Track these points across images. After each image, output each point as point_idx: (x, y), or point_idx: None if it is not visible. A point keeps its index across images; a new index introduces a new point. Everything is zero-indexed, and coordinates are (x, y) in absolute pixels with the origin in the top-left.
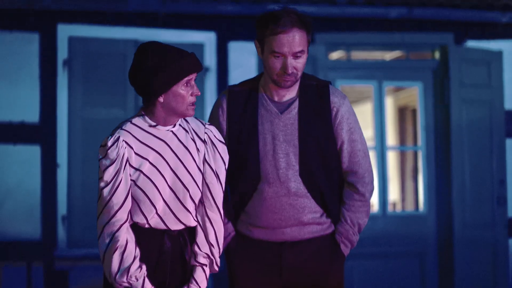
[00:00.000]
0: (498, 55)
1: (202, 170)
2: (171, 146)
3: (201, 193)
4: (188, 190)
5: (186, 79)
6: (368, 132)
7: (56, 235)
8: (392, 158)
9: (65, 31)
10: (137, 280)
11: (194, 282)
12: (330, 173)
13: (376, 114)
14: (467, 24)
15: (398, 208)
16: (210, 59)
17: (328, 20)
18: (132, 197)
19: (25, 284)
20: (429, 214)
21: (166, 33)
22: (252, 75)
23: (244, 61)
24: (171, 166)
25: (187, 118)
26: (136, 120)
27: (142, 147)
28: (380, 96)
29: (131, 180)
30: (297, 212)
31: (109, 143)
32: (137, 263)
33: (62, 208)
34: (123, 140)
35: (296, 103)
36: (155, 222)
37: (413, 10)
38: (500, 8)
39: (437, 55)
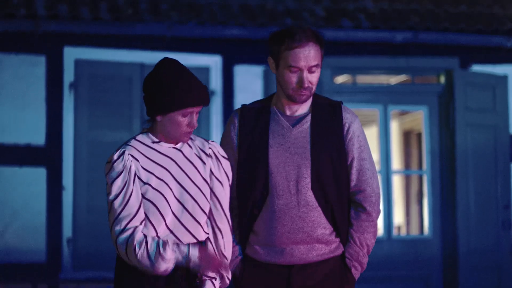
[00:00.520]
0: (503, 79)
1: (209, 183)
2: (176, 161)
3: (209, 205)
4: (196, 201)
5: (189, 110)
6: (373, 156)
7: (61, 257)
8: (397, 182)
9: (71, 54)
10: (174, 251)
11: None
12: (340, 188)
13: (381, 138)
14: (472, 49)
15: (403, 232)
16: (216, 82)
17: (334, 44)
18: None
19: None
20: (434, 238)
21: (172, 57)
22: (258, 98)
23: (249, 85)
24: (177, 179)
25: (192, 136)
26: (140, 137)
27: (147, 162)
28: (385, 120)
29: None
30: (306, 225)
31: (115, 157)
32: (161, 243)
33: (67, 230)
34: (128, 153)
35: (308, 118)
36: (164, 235)
37: (419, 35)
38: (505, 32)
39: (442, 79)
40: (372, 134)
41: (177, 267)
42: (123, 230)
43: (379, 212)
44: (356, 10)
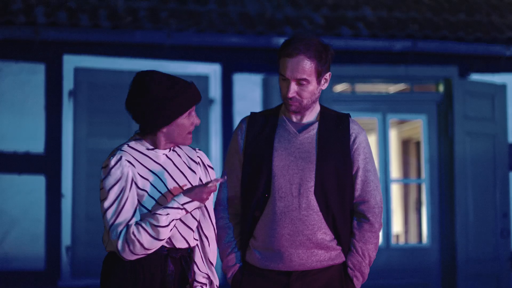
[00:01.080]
0: (502, 88)
1: None
2: (167, 169)
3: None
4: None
5: (189, 110)
6: None
7: (60, 265)
8: (395, 191)
9: (71, 62)
10: (166, 216)
11: None
12: (344, 197)
13: (380, 146)
14: (471, 57)
15: (402, 241)
16: (215, 90)
17: None
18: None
19: None
20: (433, 247)
21: (171, 65)
22: (257, 107)
23: (248, 93)
24: (169, 187)
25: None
26: (133, 144)
27: (143, 169)
28: (384, 128)
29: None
30: (306, 228)
31: (112, 162)
32: (150, 217)
33: (66, 238)
34: (125, 159)
35: (316, 125)
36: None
37: (417, 43)
38: (504, 41)
39: (441, 88)
40: (370, 143)
41: (168, 274)
42: (119, 234)
43: (381, 224)
44: (355, 19)
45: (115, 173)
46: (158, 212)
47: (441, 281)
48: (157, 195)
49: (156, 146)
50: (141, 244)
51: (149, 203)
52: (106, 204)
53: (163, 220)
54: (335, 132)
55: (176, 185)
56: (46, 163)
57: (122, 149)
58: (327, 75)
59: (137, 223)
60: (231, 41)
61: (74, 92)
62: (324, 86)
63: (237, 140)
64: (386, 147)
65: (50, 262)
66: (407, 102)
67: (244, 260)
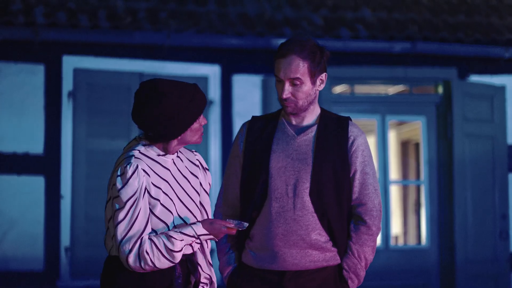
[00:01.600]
0: (501, 90)
1: (200, 194)
2: (174, 175)
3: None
4: (195, 216)
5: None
6: None
7: (59, 265)
8: (394, 192)
9: (70, 63)
10: (181, 241)
11: None
12: (341, 199)
13: (379, 148)
14: (470, 59)
15: (401, 242)
16: (214, 92)
17: (332, 54)
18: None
19: None
20: (432, 248)
21: (171, 66)
22: (256, 108)
23: (248, 94)
24: (177, 194)
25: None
26: (144, 150)
27: (155, 177)
28: (383, 130)
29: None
30: (300, 228)
31: (130, 172)
32: (166, 238)
33: (65, 239)
34: (142, 169)
35: (314, 128)
36: None
37: (417, 45)
38: (503, 43)
39: (440, 89)
40: (369, 144)
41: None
42: (132, 248)
43: (379, 228)
44: (355, 20)
45: (133, 183)
46: (174, 236)
47: (440, 282)
48: (168, 203)
49: (166, 151)
50: (153, 264)
51: (160, 212)
52: (122, 214)
53: (178, 245)
54: (333, 135)
55: (182, 191)
56: (45, 164)
57: (136, 156)
58: (323, 76)
59: (150, 239)
60: (231, 42)
61: (73, 93)
62: (321, 87)
63: (238, 143)
64: (385, 149)
65: (49, 262)
66: (406, 103)
67: (241, 260)
